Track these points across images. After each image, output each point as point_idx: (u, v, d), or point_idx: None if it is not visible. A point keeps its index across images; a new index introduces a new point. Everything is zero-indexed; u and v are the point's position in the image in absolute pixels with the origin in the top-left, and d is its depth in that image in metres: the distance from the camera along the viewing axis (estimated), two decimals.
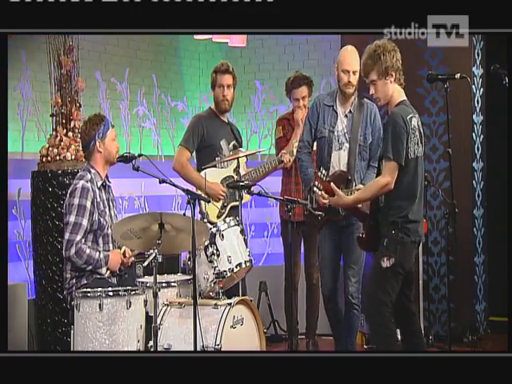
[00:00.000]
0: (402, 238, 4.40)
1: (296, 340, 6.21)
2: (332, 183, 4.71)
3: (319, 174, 4.88)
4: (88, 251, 4.76)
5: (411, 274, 4.58)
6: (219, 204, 5.58)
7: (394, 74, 4.46)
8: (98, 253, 4.80)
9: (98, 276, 4.83)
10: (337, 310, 5.28)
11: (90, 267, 4.77)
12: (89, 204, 4.81)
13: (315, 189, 4.80)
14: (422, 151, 4.53)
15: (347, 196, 4.63)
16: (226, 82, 5.69)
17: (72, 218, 4.78)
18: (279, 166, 5.77)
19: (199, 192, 5.43)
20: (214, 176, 5.54)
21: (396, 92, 4.50)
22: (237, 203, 5.39)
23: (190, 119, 7.56)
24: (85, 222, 4.78)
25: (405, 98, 4.53)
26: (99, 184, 4.93)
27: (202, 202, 5.34)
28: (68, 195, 4.87)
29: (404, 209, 4.42)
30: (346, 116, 5.25)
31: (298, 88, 6.10)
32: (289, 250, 5.98)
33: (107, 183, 5.04)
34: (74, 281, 4.82)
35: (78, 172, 5.65)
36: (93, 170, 4.94)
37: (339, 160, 5.17)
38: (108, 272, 4.85)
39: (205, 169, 5.50)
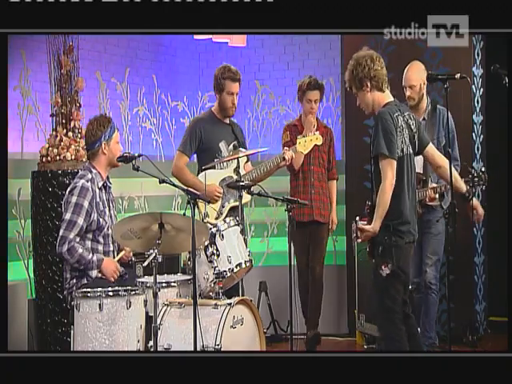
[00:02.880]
0: (396, 241, 4.40)
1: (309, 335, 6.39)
2: (359, 224, 4.63)
3: (355, 225, 4.90)
4: (80, 251, 4.77)
5: (407, 275, 4.57)
6: (217, 205, 5.57)
7: (368, 84, 4.51)
8: (90, 254, 4.81)
9: (100, 275, 4.84)
10: (422, 296, 5.73)
11: (82, 267, 4.80)
12: (86, 203, 4.82)
13: (358, 240, 4.79)
14: (412, 150, 4.53)
15: (372, 225, 4.46)
16: (236, 90, 5.71)
17: (68, 216, 4.81)
18: (282, 164, 5.70)
19: None
20: (213, 177, 5.54)
21: (377, 98, 4.53)
22: (237, 203, 5.40)
23: (190, 120, 7.61)
24: (80, 221, 4.80)
25: (391, 99, 4.55)
26: (100, 184, 4.94)
27: (201, 204, 5.34)
28: (67, 193, 4.90)
29: (394, 209, 4.40)
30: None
31: (313, 91, 6.34)
32: (289, 248, 6.02)
33: (108, 184, 5.05)
34: (75, 281, 4.83)
35: (78, 172, 5.67)
36: (94, 170, 4.95)
37: (416, 164, 5.27)
38: (99, 274, 4.85)
39: (205, 169, 5.50)
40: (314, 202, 6.30)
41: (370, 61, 4.51)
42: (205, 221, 5.23)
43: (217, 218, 5.50)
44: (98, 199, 4.90)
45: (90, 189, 4.86)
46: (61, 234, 4.80)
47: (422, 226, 5.34)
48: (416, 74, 5.56)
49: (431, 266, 5.67)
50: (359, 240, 4.57)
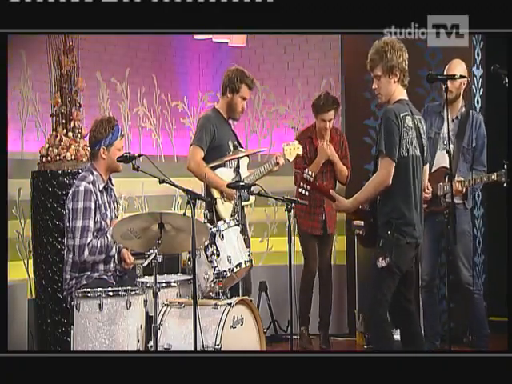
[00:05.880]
0: (398, 239, 4.40)
1: (308, 336, 6.50)
2: (331, 190, 4.70)
3: (305, 175, 4.96)
4: (99, 244, 4.80)
5: (410, 274, 4.58)
6: (231, 203, 5.59)
7: (398, 74, 4.45)
8: (105, 237, 4.84)
9: (97, 276, 4.84)
10: (431, 295, 5.81)
11: (104, 255, 4.83)
12: (93, 205, 4.82)
13: (300, 189, 4.91)
14: (420, 152, 4.52)
15: (347, 200, 4.61)
16: (248, 96, 5.78)
17: (79, 223, 4.79)
18: (275, 169, 5.78)
19: (214, 191, 5.49)
20: (227, 175, 5.56)
21: (398, 91, 4.50)
22: (247, 203, 5.57)
23: (190, 119, 7.62)
24: (91, 224, 4.82)
25: (405, 97, 4.52)
26: (101, 187, 4.93)
27: (218, 203, 5.40)
28: (70, 198, 4.85)
29: (397, 208, 4.40)
30: (452, 121, 5.63)
31: (327, 112, 6.31)
32: (289, 248, 6.04)
33: (110, 186, 5.03)
34: (74, 281, 4.83)
35: (78, 172, 5.67)
36: (95, 172, 4.93)
37: (443, 158, 5.43)
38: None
39: (212, 168, 5.53)
40: (328, 215, 6.40)
41: (405, 53, 4.47)
42: (205, 221, 5.22)
43: (233, 216, 5.51)
44: (100, 202, 4.89)
45: (93, 191, 4.85)
46: (77, 243, 4.78)
47: (444, 224, 5.35)
48: (457, 68, 5.55)
49: (465, 268, 5.64)
50: (302, 190, 4.59)
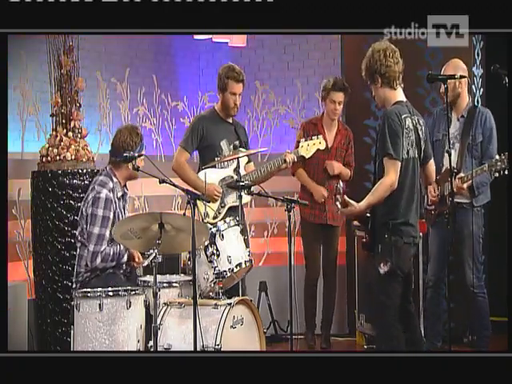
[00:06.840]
0: (396, 240, 4.40)
1: (313, 337, 6.54)
2: (345, 196, 4.69)
3: (337, 186, 4.91)
4: (111, 251, 4.82)
5: (410, 275, 4.58)
6: (215, 205, 5.56)
7: (379, 79, 4.47)
8: (118, 245, 4.85)
9: (111, 271, 4.88)
10: (437, 295, 5.78)
11: (115, 262, 4.85)
12: (111, 215, 4.85)
13: (337, 203, 4.87)
14: (418, 154, 4.51)
15: (359, 204, 4.55)
16: (239, 90, 5.70)
17: (96, 230, 4.81)
18: (283, 166, 5.70)
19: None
20: (212, 176, 5.53)
21: (390, 95, 4.50)
22: (236, 204, 5.41)
23: (190, 119, 7.62)
24: (107, 233, 4.83)
25: (402, 99, 4.52)
26: (119, 194, 4.96)
27: (200, 205, 5.33)
28: (91, 203, 4.86)
29: (394, 210, 4.40)
30: (458, 120, 5.65)
31: (338, 92, 6.33)
32: (289, 248, 6.03)
33: (125, 191, 5.06)
34: (89, 273, 4.84)
35: (78, 172, 5.68)
36: (115, 179, 4.95)
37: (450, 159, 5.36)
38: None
39: (204, 169, 5.51)
40: (327, 206, 6.35)
41: (383, 56, 4.45)
42: (204, 221, 5.23)
43: (215, 218, 5.50)
44: (117, 210, 4.92)
45: (112, 200, 4.87)
46: (92, 249, 4.80)
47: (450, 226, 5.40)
48: (452, 70, 5.51)
49: (469, 270, 5.59)
50: (338, 203, 4.60)
